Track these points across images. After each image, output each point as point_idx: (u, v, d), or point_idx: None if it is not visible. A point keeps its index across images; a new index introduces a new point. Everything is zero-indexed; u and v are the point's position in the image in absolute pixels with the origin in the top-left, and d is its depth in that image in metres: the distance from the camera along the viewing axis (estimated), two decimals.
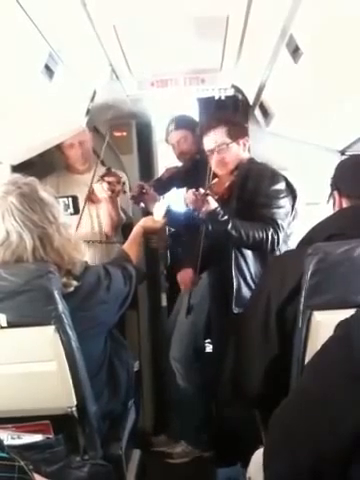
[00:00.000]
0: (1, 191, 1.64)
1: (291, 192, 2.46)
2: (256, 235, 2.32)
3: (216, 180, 2.55)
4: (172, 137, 3.13)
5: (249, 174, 2.50)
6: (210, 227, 2.41)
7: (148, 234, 2.41)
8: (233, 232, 2.33)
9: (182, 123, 3.13)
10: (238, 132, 2.60)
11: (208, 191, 2.37)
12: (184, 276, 2.80)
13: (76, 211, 2.75)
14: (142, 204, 2.91)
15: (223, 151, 2.55)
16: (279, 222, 2.36)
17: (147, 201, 2.83)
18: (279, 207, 2.40)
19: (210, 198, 2.36)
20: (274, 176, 2.47)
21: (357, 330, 0.89)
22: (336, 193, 1.72)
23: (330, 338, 0.95)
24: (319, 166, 2.85)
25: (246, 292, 2.44)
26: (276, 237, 2.34)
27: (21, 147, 2.42)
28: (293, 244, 2.46)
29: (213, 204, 2.36)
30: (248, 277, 2.47)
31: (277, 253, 2.39)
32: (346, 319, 0.94)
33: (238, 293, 2.45)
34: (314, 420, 0.89)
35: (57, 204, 1.75)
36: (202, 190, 2.36)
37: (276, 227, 2.35)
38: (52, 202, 1.70)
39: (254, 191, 2.43)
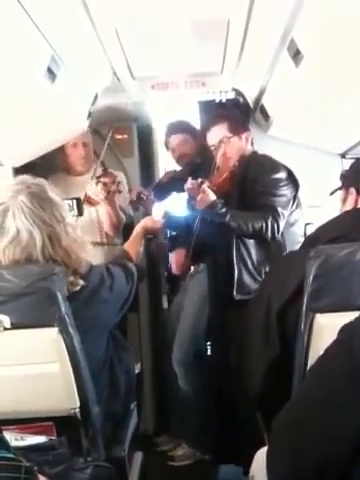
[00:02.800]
0: (11, 190, 1.66)
1: (293, 181, 2.49)
2: (255, 225, 2.37)
3: (214, 173, 2.61)
4: (172, 140, 3.13)
5: (250, 165, 2.56)
6: (209, 219, 2.47)
7: (148, 234, 2.42)
8: (232, 223, 2.40)
9: (181, 127, 3.15)
10: (239, 127, 2.68)
11: (204, 180, 2.45)
12: (177, 258, 2.85)
13: (80, 213, 2.76)
14: (142, 208, 2.95)
15: (225, 145, 2.62)
16: (279, 210, 2.39)
17: (146, 206, 2.87)
18: (279, 195, 2.43)
19: (207, 188, 2.43)
20: (274, 166, 2.51)
21: (359, 333, 0.90)
22: (354, 191, 1.71)
23: (333, 342, 0.96)
24: (320, 169, 2.87)
25: (248, 279, 2.49)
26: (276, 225, 2.38)
27: (23, 149, 2.43)
28: (298, 230, 2.52)
29: (211, 196, 2.43)
30: (249, 264, 2.50)
31: (279, 238, 2.45)
32: (348, 323, 0.95)
33: (240, 280, 2.49)
34: (317, 423, 0.90)
35: (64, 204, 1.78)
36: (199, 179, 2.44)
37: (276, 215, 2.38)
38: (60, 202, 1.73)
39: (254, 181, 2.48)
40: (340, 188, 1.76)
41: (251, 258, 2.50)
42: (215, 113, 2.86)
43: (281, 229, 2.41)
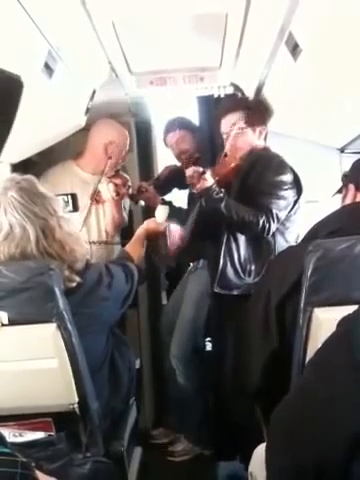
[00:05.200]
0: (0, 188, 1.68)
1: (297, 186, 2.45)
2: (246, 218, 2.34)
3: (220, 162, 2.55)
4: (170, 138, 3.12)
5: (257, 161, 2.50)
6: (204, 203, 2.42)
7: (151, 236, 2.40)
8: (224, 211, 2.35)
9: (179, 124, 3.13)
10: (255, 119, 2.58)
11: (206, 170, 2.40)
12: (173, 233, 2.82)
13: (75, 209, 2.75)
14: (142, 202, 2.94)
15: (237, 135, 2.55)
16: (274, 212, 2.36)
17: (147, 199, 2.85)
18: (279, 197, 2.40)
19: (208, 176, 2.38)
20: (281, 166, 2.47)
21: (357, 328, 0.89)
22: (352, 187, 1.71)
23: (330, 336, 0.96)
24: (318, 164, 2.86)
25: (231, 274, 2.46)
26: (267, 225, 2.35)
27: (21, 145, 2.42)
28: (291, 237, 2.50)
29: (210, 181, 2.38)
30: (236, 260, 2.47)
31: (270, 239, 2.44)
32: (346, 317, 0.94)
33: (223, 273, 2.47)
34: (316, 419, 0.90)
35: (56, 199, 1.79)
36: (201, 169, 2.38)
37: (270, 216, 2.35)
38: (51, 196, 1.75)
39: (258, 178, 2.44)
40: (341, 188, 1.77)
41: (239, 253, 2.47)
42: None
43: (272, 230, 2.38)
